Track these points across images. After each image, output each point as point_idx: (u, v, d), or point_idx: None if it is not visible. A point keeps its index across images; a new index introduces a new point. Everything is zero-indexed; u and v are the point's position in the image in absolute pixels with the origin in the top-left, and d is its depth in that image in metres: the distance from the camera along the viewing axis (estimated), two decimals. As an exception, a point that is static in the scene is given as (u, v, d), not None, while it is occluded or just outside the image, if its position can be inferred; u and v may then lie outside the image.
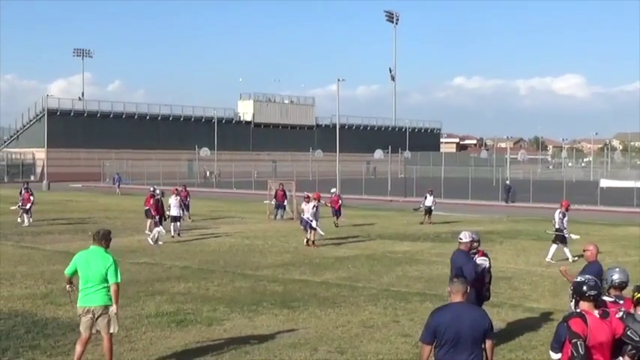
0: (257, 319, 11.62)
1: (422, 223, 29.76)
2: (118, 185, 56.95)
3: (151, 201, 23.59)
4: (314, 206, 22.16)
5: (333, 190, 30.99)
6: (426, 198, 30.80)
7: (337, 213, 29.48)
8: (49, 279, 15.12)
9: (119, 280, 8.40)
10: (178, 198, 24.54)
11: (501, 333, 10.28)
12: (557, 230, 19.45)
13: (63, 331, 10.62)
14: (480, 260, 10.08)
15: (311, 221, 21.82)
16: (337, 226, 28.09)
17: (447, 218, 32.25)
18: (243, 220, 31.38)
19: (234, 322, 11.45)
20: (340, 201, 30.36)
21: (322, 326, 11.16)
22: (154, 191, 24.35)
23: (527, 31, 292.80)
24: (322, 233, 22.38)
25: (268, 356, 9.49)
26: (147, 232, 23.83)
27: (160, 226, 22.05)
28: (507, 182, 46.15)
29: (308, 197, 23.21)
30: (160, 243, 21.29)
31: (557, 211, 19.87)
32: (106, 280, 8.34)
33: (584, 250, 9.51)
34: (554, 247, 19.14)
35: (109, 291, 8.34)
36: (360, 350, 9.80)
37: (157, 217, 22.44)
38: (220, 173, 74.08)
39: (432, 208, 30.60)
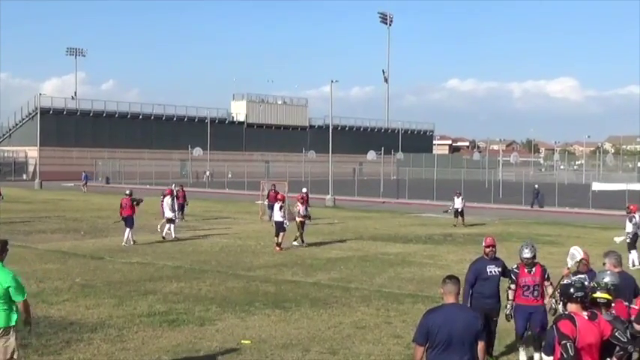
0: (249, 320, 11.63)
1: (455, 225, 29.70)
2: (85, 184, 56.91)
3: (127, 203, 22.02)
4: (280, 207, 21.77)
5: (304, 190, 31.08)
6: (454, 200, 30.87)
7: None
8: (41, 278, 15.13)
9: (24, 297, 7.30)
10: (174, 199, 24.42)
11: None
12: (634, 236, 19.08)
13: (54, 330, 10.62)
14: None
15: (282, 222, 21.43)
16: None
17: (439, 220, 32.33)
18: (235, 220, 31.38)
19: (227, 322, 11.46)
20: (306, 199, 30.46)
21: (314, 327, 11.19)
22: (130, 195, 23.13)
23: (521, 34, 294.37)
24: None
25: (260, 357, 9.50)
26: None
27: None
28: (536, 186, 44.77)
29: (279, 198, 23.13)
30: (125, 244, 20.72)
31: (637, 215, 19.27)
32: (7, 298, 7.22)
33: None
34: (634, 252, 18.81)
35: (9, 310, 7.25)
36: (352, 351, 9.83)
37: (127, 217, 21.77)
38: (213, 173, 74.00)
39: (460, 209, 30.49)
